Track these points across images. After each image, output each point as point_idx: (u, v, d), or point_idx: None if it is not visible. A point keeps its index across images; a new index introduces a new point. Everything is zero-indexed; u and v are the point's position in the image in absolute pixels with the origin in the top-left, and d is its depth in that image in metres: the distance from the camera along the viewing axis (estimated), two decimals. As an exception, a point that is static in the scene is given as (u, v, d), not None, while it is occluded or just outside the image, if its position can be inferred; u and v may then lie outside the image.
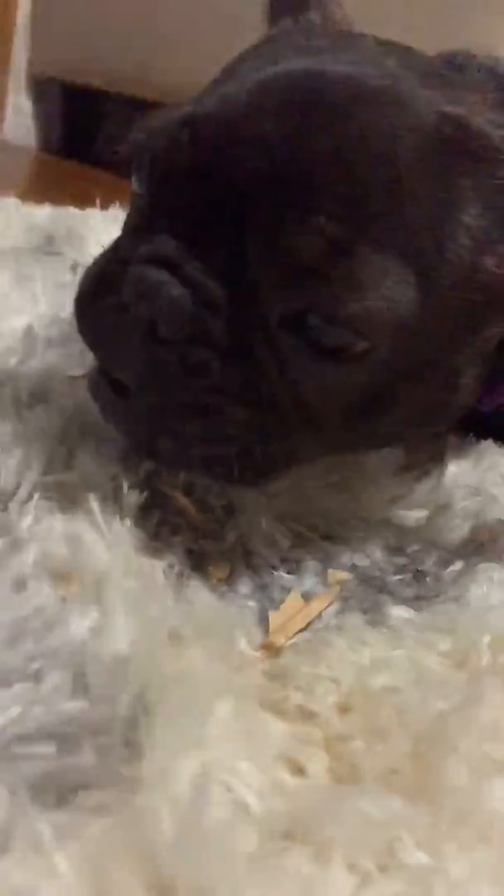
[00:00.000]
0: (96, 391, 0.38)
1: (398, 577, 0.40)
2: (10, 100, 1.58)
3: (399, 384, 0.37)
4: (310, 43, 0.38)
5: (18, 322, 0.54)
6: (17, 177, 1.42)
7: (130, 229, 0.38)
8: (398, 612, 0.37)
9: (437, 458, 0.50)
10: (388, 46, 0.39)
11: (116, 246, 0.38)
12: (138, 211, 0.38)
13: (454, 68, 0.40)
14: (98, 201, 0.89)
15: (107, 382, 0.36)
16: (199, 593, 0.36)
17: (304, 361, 0.34)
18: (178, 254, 0.34)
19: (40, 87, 1.77)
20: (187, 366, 0.34)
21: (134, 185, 0.38)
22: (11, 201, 0.94)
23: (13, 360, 0.49)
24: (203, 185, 0.34)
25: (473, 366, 0.39)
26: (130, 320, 0.34)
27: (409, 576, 0.40)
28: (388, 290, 0.33)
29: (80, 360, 0.48)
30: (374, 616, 0.36)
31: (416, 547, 0.42)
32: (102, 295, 0.36)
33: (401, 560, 0.41)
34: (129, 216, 0.40)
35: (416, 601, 0.38)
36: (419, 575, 0.40)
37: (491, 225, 0.35)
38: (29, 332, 0.53)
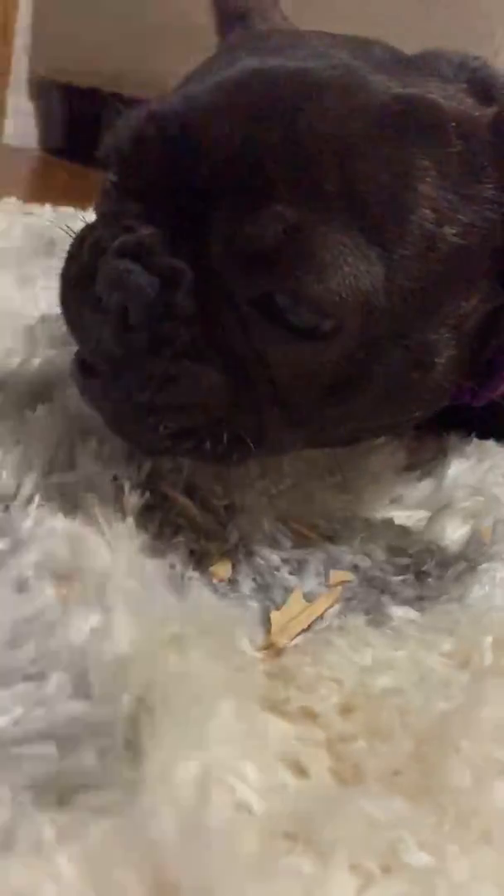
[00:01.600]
0: (75, 375, 0.39)
1: (400, 577, 0.40)
2: (11, 101, 1.58)
3: (371, 362, 0.36)
4: (263, 44, 0.40)
5: (20, 323, 0.54)
6: (18, 178, 1.42)
7: (103, 214, 0.39)
8: (400, 613, 0.36)
9: (439, 459, 0.50)
10: (343, 40, 0.40)
11: (92, 232, 0.39)
12: (109, 197, 0.39)
13: (423, 61, 0.40)
14: (99, 202, 0.89)
15: (83, 366, 0.38)
16: (201, 593, 0.36)
17: (274, 341, 0.35)
18: (149, 243, 0.35)
19: (41, 89, 1.77)
20: (156, 340, 0.35)
21: (109, 176, 0.39)
22: (13, 202, 0.95)
23: (15, 361, 0.49)
24: (168, 176, 0.35)
25: (448, 345, 0.38)
26: (104, 310, 0.36)
27: (411, 576, 0.40)
28: (350, 266, 0.33)
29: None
30: (376, 617, 0.36)
31: (417, 547, 0.42)
32: (82, 286, 0.37)
33: (403, 560, 0.41)
34: (100, 202, 0.40)
35: (418, 602, 0.38)
36: (421, 575, 0.40)
37: (450, 193, 0.36)
38: (30, 333, 0.53)
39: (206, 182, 0.34)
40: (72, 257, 0.38)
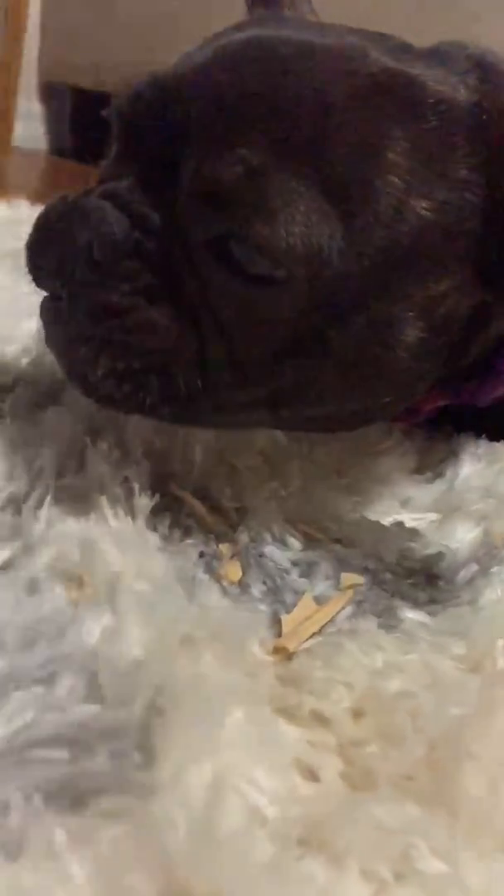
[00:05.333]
0: (42, 315, 0.39)
1: (411, 580, 0.39)
2: (20, 105, 1.58)
3: (326, 327, 0.36)
4: (275, 21, 0.41)
5: (30, 324, 0.54)
6: (27, 180, 1.43)
7: (99, 180, 0.40)
8: (412, 616, 0.36)
9: (450, 461, 0.50)
10: (362, 32, 0.40)
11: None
12: (108, 162, 0.39)
13: (436, 52, 0.40)
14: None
15: (50, 307, 0.38)
16: (212, 596, 0.35)
17: (226, 286, 0.35)
18: (127, 190, 0.36)
19: (50, 92, 1.78)
20: (115, 275, 0.35)
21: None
22: (23, 204, 0.95)
23: (25, 362, 0.49)
24: (157, 129, 0.36)
25: (415, 326, 0.37)
26: (71, 244, 0.36)
27: (422, 579, 0.40)
28: (302, 216, 0.33)
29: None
30: (388, 620, 0.36)
31: (428, 550, 0.42)
32: (53, 229, 0.37)
33: (414, 564, 0.41)
34: (100, 169, 0.41)
35: (429, 605, 0.38)
36: (432, 579, 0.40)
37: (421, 167, 0.35)
38: (40, 334, 0.53)
39: (187, 131, 0.35)
40: (51, 207, 0.38)
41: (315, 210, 0.34)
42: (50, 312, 0.38)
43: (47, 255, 0.37)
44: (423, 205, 0.35)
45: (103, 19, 1.53)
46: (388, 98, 0.36)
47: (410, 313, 0.37)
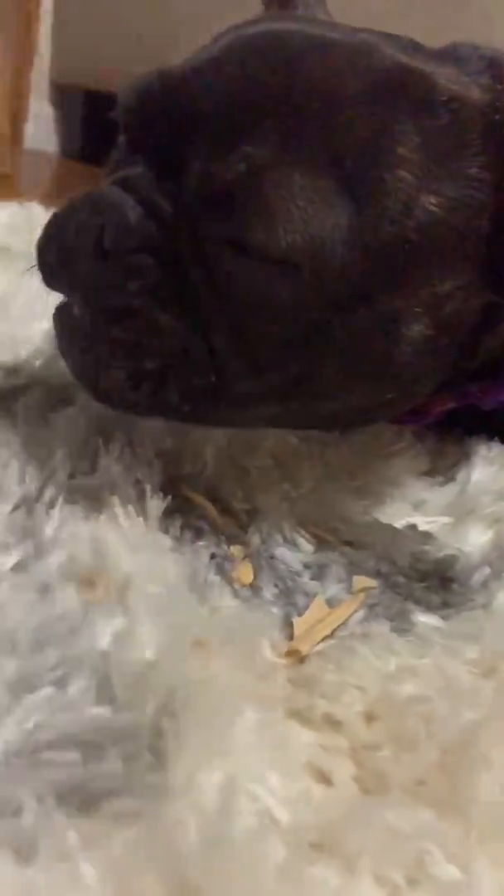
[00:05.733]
0: (54, 323, 0.39)
1: (424, 584, 0.39)
2: (32, 106, 1.59)
3: (332, 317, 0.36)
4: (288, 18, 0.41)
5: (42, 326, 0.54)
6: (39, 181, 1.43)
7: (106, 173, 0.40)
8: (425, 620, 0.36)
9: (462, 463, 0.50)
10: (369, 30, 0.40)
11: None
12: (116, 156, 0.39)
13: (449, 52, 0.40)
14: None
15: (61, 313, 0.38)
16: (223, 599, 0.35)
17: (234, 276, 0.35)
18: (141, 178, 0.36)
19: (62, 94, 1.79)
20: (126, 271, 0.35)
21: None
22: (34, 206, 0.95)
23: (38, 364, 0.50)
24: (167, 121, 0.36)
25: (419, 322, 0.37)
26: (83, 233, 0.36)
27: (435, 583, 0.39)
28: (303, 211, 0.33)
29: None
30: (400, 623, 0.36)
31: (441, 553, 0.42)
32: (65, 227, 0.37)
33: (426, 567, 0.40)
34: (107, 164, 0.41)
35: (442, 608, 0.38)
36: (445, 582, 0.40)
37: (431, 163, 0.35)
38: (52, 336, 0.53)
39: (196, 125, 0.35)
40: (62, 207, 0.38)
41: (318, 203, 0.33)
42: (61, 320, 0.39)
43: (55, 249, 0.37)
44: (433, 200, 0.35)
45: (115, 22, 1.53)
46: (400, 93, 0.36)
47: (416, 309, 0.37)
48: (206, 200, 0.35)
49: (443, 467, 0.50)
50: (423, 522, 0.44)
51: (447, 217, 0.36)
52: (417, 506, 0.46)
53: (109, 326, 0.36)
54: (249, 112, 0.34)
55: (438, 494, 0.47)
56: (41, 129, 1.74)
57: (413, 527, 0.43)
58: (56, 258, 0.37)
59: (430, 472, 0.49)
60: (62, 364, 0.50)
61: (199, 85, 0.36)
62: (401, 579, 0.39)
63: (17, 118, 1.49)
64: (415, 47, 0.40)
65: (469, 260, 0.37)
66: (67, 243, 0.36)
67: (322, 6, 0.48)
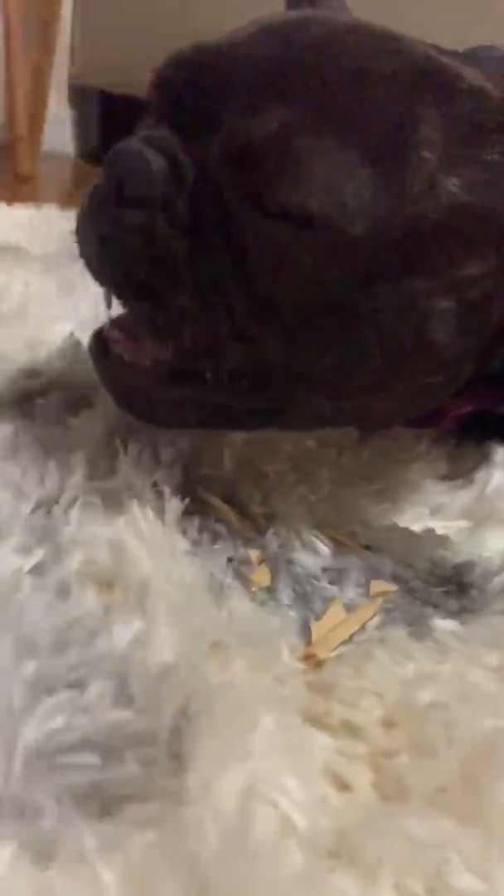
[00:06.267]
0: (92, 352, 0.41)
1: (442, 589, 0.39)
2: (49, 108, 1.60)
3: (356, 293, 0.36)
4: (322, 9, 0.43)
5: (62, 328, 0.54)
6: (56, 184, 1.44)
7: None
8: (443, 625, 0.36)
9: (481, 468, 0.49)
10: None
11: None
12: (143, 123, 0.40)
13: (468, 56, 0.41)
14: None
15: (100, 343, 0.40)
16: (241, 602, 0.35)
17: (253, 223, 0.35)
18: (167, 137, 0.36)
19: (79, 96, 1.80)
20: (146, 239, 0.35)
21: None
22: (52, 208, 0.96)
23: (58, 366, 0.50)
24: (196, 90, 0.37)
25: (446, 303, 0.37)
26: (106, 187, 0.36)
27: (453, 588, 0.39)
28: (329, 174, 0.34)
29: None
30: (419, 629, 0.35)
31: (460, 558, 0.41)
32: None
33: (445, 572, 0.40)
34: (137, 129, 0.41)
35: (461, 614, 0.37)
36: (464, 587, 0.39)
37: (454, 146, 0.36)
38: (72, 338, 0.53)
39: (228, 91, 0.36)
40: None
41: (341, 170, 0.34)
42: (103, 351, 0.39)
43: (84, 215, 0.38)
44: (455, 182, 0.36)
45: (133, 25, 1.54)
46: (426, 79, 0.36)
47: (440, 290, 0.37)
48: (233, 156, 0.35)
49: (461, 471, 0.49)
50: (441, 527, 0.44)
51: (470, 200, 0.36)
52: (435, 510, 0.46)
53: (132, 300, 0.36)
54: (283, 81, 0.35)
55: (456, 499, 0.47)
56: (58, 131, 1.75)
57: (431, 531, 0.43)
58: (84, 218, 0.38)
59: (449, 476, 0.49)
60: (81, 367, 0.50)
61: (233, 56, 0.37)
62: (419, 584, 0.39)
63: (36, 120, 1.50)
64: (438, 49, 0.40)
65: (495, 246, 0.37)
66: (94, 203, 0.37)
67: (346, 10, 0.48)
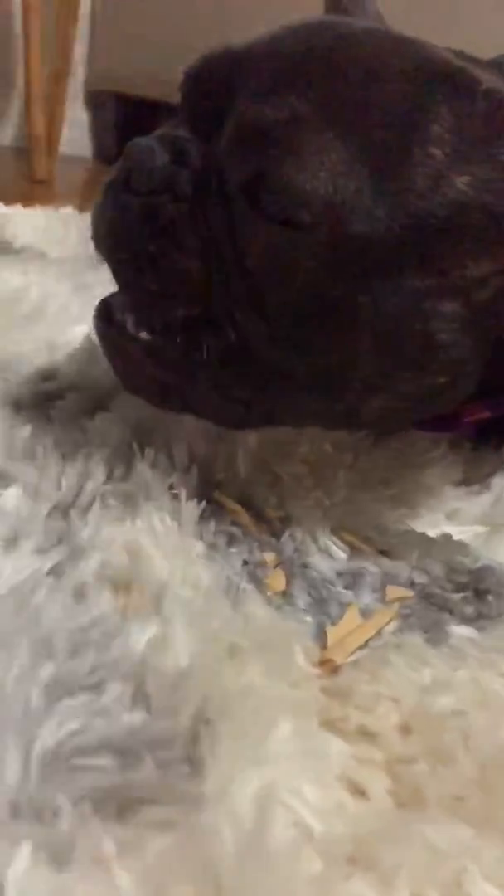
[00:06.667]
0: (97, 324, 0.41)
1: (459, 595, 0.39)
2: (67, 112, 1.61)
3: (356, 290, 0.36)
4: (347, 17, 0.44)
5: (79, 331, 0.55)
6: (74, 187, 1.45)
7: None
8: (460, 632, 0.36)
9: (498, 473, 0.49)
10: None
11: None
12: (171, 122, 0.41)
13: (493, 64, 0.41)
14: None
15: (103, 314, 0.40)
16: (256, 606, 0.35)
17: (253, 227, 0.36)
18: (178, 133, 0.39)
19: (96, 99, 1.81)
20: (147, 211, 0.37)
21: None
22: (70, 211, 0.96)
23: (75, 369, 0.50)
24: (220, 84, 0.38)
25: (453, 301, 0.37)
26: (117, 178, 0.38)
27: (470, 594, 0.39)
28: (333, 167, 0.35)
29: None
30: (435, 635, 0.35)
31: (476, 564, 0.41)
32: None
33: (461, 578, 0.40)
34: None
35: (477, 620, 0.37)
36: (480, 593, 0.39)
37: (464, 145, 0.36)
38: (88, 341, 0.53)
39: (244, 82, 0.37)
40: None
41: (345, 164, 0.35)
42: (107, 321, 0.40)
43: (99, 209, 0.39)
44: (463, 180, 0.36)
45: (148, 29, 1.54)
46: (439, 78, 0.37)
47: (447, 290, 0.37)
48: (241, 139, 0.36)
49: (478, 477, 0.49)
50: (458, 532, 0.44)
51: (479, 199, 0.36)
52: (451, 515, 0.46)
53: (131, 271, 0.38)
54: (299, 74, 0.36)
55: (473, 504, 0.46)
56: (76, 134, 1.76)
57: (447, 536, 0.43)
58: (98, 213, 0.39)
59: (465, 482, 0.49)
60: (98, 369, 0.50)
61: (254, 53, 0.38)
62: (435, 590, 0.39)
63: (53, 124, 1.51)
64: (459, 54, 0.40)
65: (501, 244, 0.37)
66: (106, 191, 0.39)
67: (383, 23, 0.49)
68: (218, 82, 0.38)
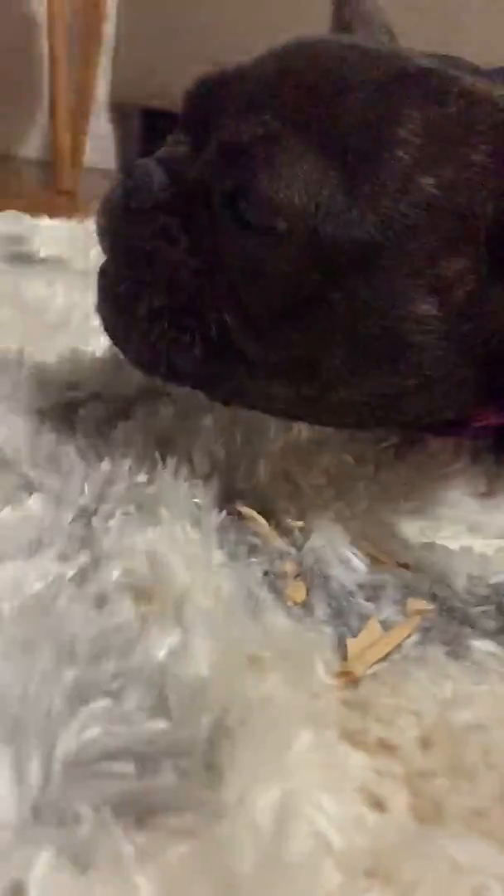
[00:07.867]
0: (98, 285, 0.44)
1: (480, 608, 0.38)
2: (91, 124, 1.63)
3: (330, 289, 0.37)
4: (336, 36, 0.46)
5: (103, 341, 0.55)
6: (98, 199, 1.47)
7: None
8: (481, 646, 0.35)
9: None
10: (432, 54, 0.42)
11: None
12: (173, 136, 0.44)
13: (498, 72, 0.42)
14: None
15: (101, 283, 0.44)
16: (276, 616, 0.35)
17: (234, 236, 0.39)
18: (175, 151, 0.42)
19: (120, 112, 1.83)
20: (145, 223, 0.41)
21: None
22: (93, 223, 0.97)
23: (98, 378, 0.51)
24: (211, 103, 0.41)
25: (426, 301, 0.37)
26: (117, 195, 0.42)
27: (492, 608, 0.39)
28: (306, 176, 0.37)
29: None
30: (456, 648, 0.35)
31: (498, 578, 0.41)
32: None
33: (483, 591, 0.40)
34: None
35: (499, 634, 0.37)
36: (502, 607, 0.39)
37: (431, 146, 0.37)
38: (112, 351, 0.54)
39: (230, 101, 0.40)
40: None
41: (318, 171, 0.36)
42: (100, 289, 0.43)
43: (101, 213, 0.43)
44: (430, 181, 0.37)
45: (172, 41, 1.57)
46: (410, 83, 0.38)
47: (421, 289, 0.37)
48: (223, 155, 0.39)
49: (500, 489, 0.49)
50: (479, 545, 0.43)
51: (448, 198, 0.37)
52: (473, 528, 0.45)
53: (131, 268, 0.41)
54: (274, 94, 0.39)
55: (495, 517, 0.46)
56: (99, 147, 1.78)
57: (469, 549, 0.43)
58: (101, 219, 0.43)
59: (488, 494, 0.48)
60: (121, 378, 0.51)
61: (242, 73, 0.41)
62: (456, 603, 0.39)
63: (78, 137, 1.53)
64: (450, 60, 0.41)
65: (476, 244, 0.38)
66: (109, 206, 0.42)
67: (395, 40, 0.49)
68: (208, 101, 0.41)
